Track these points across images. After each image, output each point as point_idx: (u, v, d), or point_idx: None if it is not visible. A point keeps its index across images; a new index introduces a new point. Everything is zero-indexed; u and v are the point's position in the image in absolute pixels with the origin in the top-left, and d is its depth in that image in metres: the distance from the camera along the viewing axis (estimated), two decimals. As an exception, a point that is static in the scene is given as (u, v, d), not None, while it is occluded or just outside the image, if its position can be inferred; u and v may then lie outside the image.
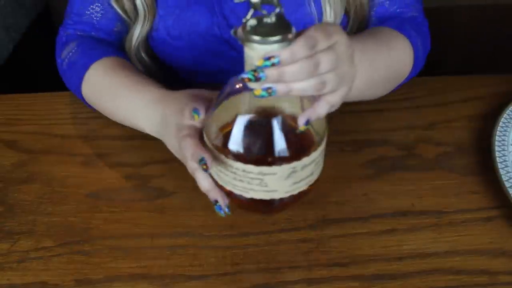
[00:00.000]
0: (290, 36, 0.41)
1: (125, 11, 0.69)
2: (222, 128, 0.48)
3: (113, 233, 0.55)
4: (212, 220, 0.54)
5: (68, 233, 0.55)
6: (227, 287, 0.50)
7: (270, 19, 0.41)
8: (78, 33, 0.71)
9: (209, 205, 0.52)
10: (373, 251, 0.52)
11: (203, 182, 0.50)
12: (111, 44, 0.72)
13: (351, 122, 0.67)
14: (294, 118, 0.46)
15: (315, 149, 0.47)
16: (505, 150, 0.58)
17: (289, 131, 0.46)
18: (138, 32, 0.70)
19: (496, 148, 0.59)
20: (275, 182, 0.46)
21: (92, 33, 0.71)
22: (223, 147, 0.47)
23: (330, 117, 0.67)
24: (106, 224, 0.56)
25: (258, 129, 0.47)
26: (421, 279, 0.50)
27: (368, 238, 0.54)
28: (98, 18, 0.71)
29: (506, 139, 0.60)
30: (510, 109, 0.63)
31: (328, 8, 0.68)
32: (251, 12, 0.42)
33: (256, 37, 0.40)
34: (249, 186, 0.47)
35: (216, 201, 0.49)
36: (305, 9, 0.69)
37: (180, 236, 0.55)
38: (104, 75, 0.65)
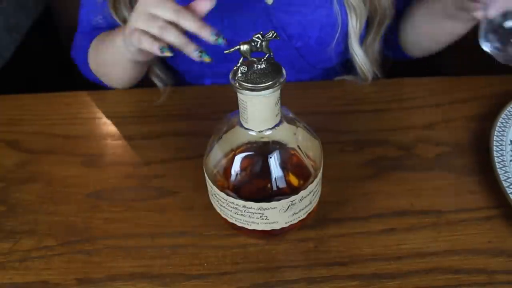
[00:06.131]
0: (281, 79, 0.42)
1: (124, 21, 0.70)
2: (220, 165, 0.49)
3: (113, 232, 0.56)
4: (212, 220, 0.54)
5: (69, 233, 0.56)
6: (227, 286, 0.50)
7: (261, 65, 0.42)
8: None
9: (209, 205, 0.53)
10: (373, 250, 0.53)
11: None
12: None
13: (351, 122, 0.68)
14: (290, 152, 0.48)
15: (311, 181, 0.48)
16: (503, 150, 0.59)
17: (285, 165, 0.48)
18: None
19: (494, 148, 0.59)
20: (275, 215, 0.48)
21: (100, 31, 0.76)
22: (223, 183, 0.48)
23: (330, 117, 0.68)
24: (107, 224, 0.56)
25: (256, 165, 0.48)
26: (420, 278, 0.50)
27: (367, 237, 0.54)
28: (103, 26, 0.76)
29: (504, 139, 0.60)
30: (508, 109, 0.64)
31: (354, 19, 0.69)
32: (241, 59, 0.43)
33: (247, 84, 0.42)
34: (250, 220, 0.49)
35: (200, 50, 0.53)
36: (323, 11, 0.69)
37: (180, 236, 0.55)
38: (97, 40, 0.73)
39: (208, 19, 0.69)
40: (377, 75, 0.74)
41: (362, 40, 0.73)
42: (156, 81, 0.76)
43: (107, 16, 0.73)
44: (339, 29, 0.70)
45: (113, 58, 0.69)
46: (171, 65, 0.77)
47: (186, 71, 0.79)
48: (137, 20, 0.57)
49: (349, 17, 0.69)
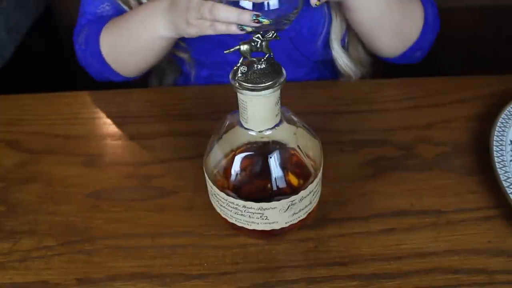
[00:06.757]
0: (281, 79, 0.42)
1: (130, 8, 0.71)
2: (220, 165, 0.49)
3: (113, 232, 0.56)
4: (212, 220, 0.54)
5: (69, 233, 0.56)
6: (227, 286, 0.50)
7: (261, 65, 0.42)
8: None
9: (209, 205, 0.53)
10: (372, 250, 0.53)
11: (228, 13, 0.51)
12: None
13: (351, 122, 0.68)
14: (290, 152, 0.48)
15: (311, 181, 0.48)
16: (503, 150, 0.59)
17: (285, 165, 0.48)
18: None
19: (494, 148, 0.59)
20: (275, 215, 0.48)
21: (106, 18, 0.75)
22: (223, 183, 0.48)
23: (330, 117, 0.68)
24: (107, 224, 0.56)
25: (256, 165, 0.48)
26: (420, 278, 0.50)
27: (367, 237, 0.54)
28: (109, 13, 0.74)
29: (504, 139, 0.60)
30: (508, 109, 0.64)
31: (335, 14, 0.70)
32: (241, 59, 0.43)
33: (247, 84, 0.42)
34: (250, 220, 0.49)
35: (258, 16, 0.49)
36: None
37: (180, 236, 0.55)
38: (113, 22, 0.71)
39: None
40: (363, 74, 0.75)
41: (344, 39, 0.74)
42: (179, 53, 0.76)
43: (113, 2, 0.73)
44: (327, 19, 0.70)
45: (140, 38, 0.67)
46: (170, 53, 0.78)
47: (183, 61, 0.79)
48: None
49: (331, 12, 0.70)
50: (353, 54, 0.75)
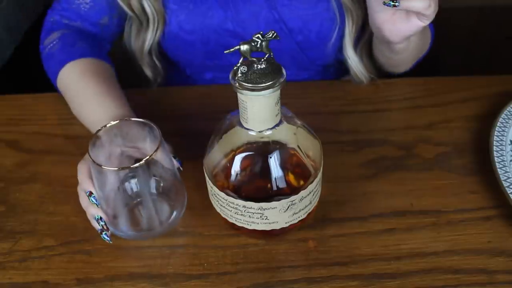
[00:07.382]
0: (281, 79, 0.42)
1: (132, 10, 0.70)
2: (220, 165, 0.49)
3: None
4: (212, 220, 0.54)
5: (69, 233, 0.56)
6: (227, 286, 0.50)
7: (261, 65, 0.42)
8: (64, 21, 0.73)
9: (209, 205, 0.53)
10: (373, 250, 0.53)
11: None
12: (94, 38, 0.73)
13: (351, 122, 0.68)
14: (290, 152, 0.48)
15: (312, 181, 0.48)
16: (503, 150, 0.59)
17: (285, 165, 0.48)
18: (149, 37, 0.72)
19: (494, 148, 0.59)
20: (275, 215, 0.48)
21: (78, 21, 0.73)
22: (223, 183, 0.48)
23: (331, 117, 0.68)
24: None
25: (256, 165, 0.48)
26: (420, 278, 0.50)
27: (367, 237, 0.54)
28: (86, 9, 0.72)
29: (504, 139, 0.60)
30: (508, 109, 0.64)
31: (350, 21, 0.70)
32: (241, 59, 0.43)
33: (247, 84, 0.42)
34: (250, 220, 0.49)
35: (102, 231, 0.51)
36: (324, 5, 0.70)
37: (180, 236, 0.55)
38: (76, 80, 0.66)
39: (216, 6, 0.70)
40: (373, 77, 0.75)
41: (357, 43, 0.74)
42: (147, 71, 0.76)
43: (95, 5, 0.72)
44: (337, 25, 0.70)
45: (86, 126, 0.64)
46: (172, 58, 0.78)
47: (187, 64, 0.79)
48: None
49: (346, 18, 0.70)
50: (364, 58, 0.76)
